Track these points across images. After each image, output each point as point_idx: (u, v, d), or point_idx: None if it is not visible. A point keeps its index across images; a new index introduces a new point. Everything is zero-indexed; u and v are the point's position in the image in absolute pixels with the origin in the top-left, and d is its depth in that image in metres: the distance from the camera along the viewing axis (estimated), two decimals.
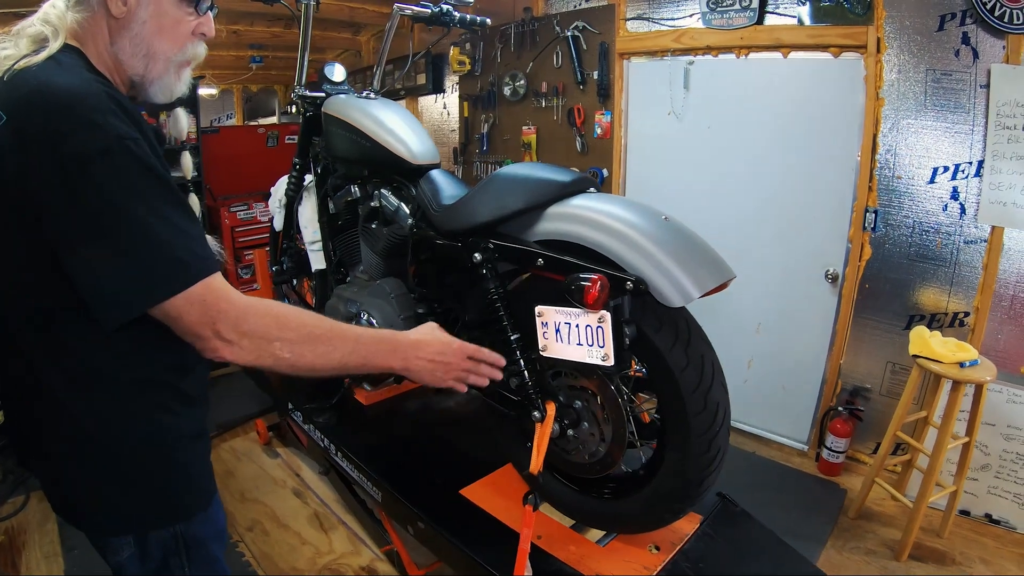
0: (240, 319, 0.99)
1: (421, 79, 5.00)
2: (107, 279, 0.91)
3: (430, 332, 1.30)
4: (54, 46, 0.97)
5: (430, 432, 2.26)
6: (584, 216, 1.37)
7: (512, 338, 1.51)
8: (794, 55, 3.05)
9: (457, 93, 4.74)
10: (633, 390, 1.48)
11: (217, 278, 0.98)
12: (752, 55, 3.18)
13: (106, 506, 1.11)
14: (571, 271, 1.30)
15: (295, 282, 2.75)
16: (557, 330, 1.37)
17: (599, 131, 3.81)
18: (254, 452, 3.31)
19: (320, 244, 2.40)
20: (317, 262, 2.43)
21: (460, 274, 1.69)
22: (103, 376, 1.04)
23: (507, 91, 4.23)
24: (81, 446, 1.06)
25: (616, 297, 1.27)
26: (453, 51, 4.42)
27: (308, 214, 2.45)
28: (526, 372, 1.49)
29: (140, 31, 1.03)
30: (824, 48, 2.94)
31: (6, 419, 1.15)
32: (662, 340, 1.34)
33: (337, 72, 2.31)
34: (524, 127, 4.21)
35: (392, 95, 2.18)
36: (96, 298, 0.93)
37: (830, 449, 3.14)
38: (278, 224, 2.66)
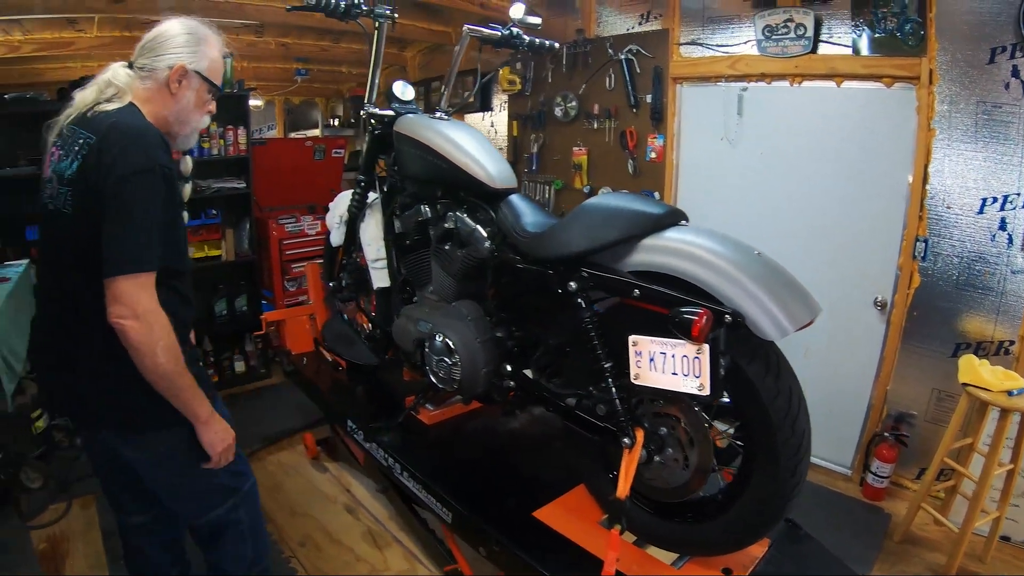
0: (155, 310, 1.37)
1: (469, 97, 5.03)
2: (111, 246, 1.33)
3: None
4: (125, 100, 1.45)
5: (494, 452, 2.29)
6: (681, 249, 1.42)
7: (606, 366, 1.55)
8: (847, 84, 3.07)
9: (505, 112, 4.78)
10: (712, 418, 1.52)
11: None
12: (806, 83, 3.20)
13: (134, 407, 1.46)
14: (671, 303, 1.35)
15: (358, 300, 2.74)
16: (651, 359, 1.42)
17: (652, 154, 3.83)
18: (302, 466, 3.28)
19: (384, 262, 2.40)
20: (380, 280, 2.43)
21: (546, 300, 1.73)
22: None
23: (558, 111, 4.25)
24: (112, 359, 1.39)
25: (714, 329, 1.31)
26: (503, 70, 4.46)
27: (372, 231, 2.45)
28: (618, 400, 1.53)
29: (184, 105, 1.54)
30: (877, 78, 2.96)
31: (48, 339, 1.54)
32: (754, 371, 1.39)
33: (405, 90, 2.31)
34: (575, 147, 4.23)
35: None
36: (103, 253, 1.34)
37: (875, 474, 3.14)
38: (336, 240, 2.67)
